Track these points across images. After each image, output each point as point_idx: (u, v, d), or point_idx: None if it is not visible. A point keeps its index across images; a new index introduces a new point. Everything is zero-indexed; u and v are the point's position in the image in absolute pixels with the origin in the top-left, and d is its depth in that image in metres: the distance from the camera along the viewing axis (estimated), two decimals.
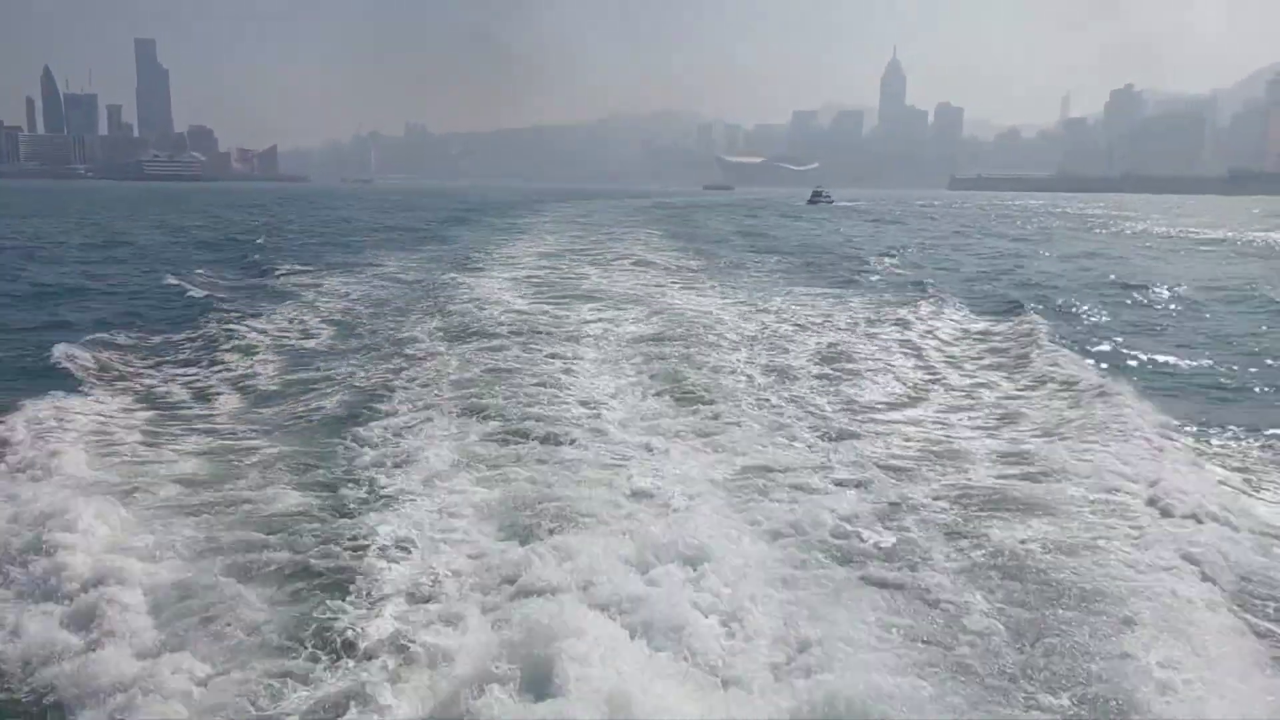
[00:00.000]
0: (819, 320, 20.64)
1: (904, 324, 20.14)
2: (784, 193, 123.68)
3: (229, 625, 6.15)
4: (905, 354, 16.94)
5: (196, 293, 24.11)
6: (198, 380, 14.30)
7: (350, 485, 9.12)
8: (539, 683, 5.28)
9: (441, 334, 18.00)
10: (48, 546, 7.12)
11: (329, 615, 6.29)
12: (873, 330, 19.57)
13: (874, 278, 30.94)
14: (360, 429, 11.12)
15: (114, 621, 6.12)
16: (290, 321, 19.76)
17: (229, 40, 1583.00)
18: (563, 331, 18.27)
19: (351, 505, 8.55)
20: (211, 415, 12.24)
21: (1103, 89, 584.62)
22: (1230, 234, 62.28)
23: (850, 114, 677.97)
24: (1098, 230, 69.31)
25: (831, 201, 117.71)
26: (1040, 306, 23.24)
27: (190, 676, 5.50)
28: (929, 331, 19.33)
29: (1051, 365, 15.23)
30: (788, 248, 45.39)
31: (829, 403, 12.95)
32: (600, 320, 19.87)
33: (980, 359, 16.60)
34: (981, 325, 20.22)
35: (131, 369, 15.02)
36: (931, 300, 23.68)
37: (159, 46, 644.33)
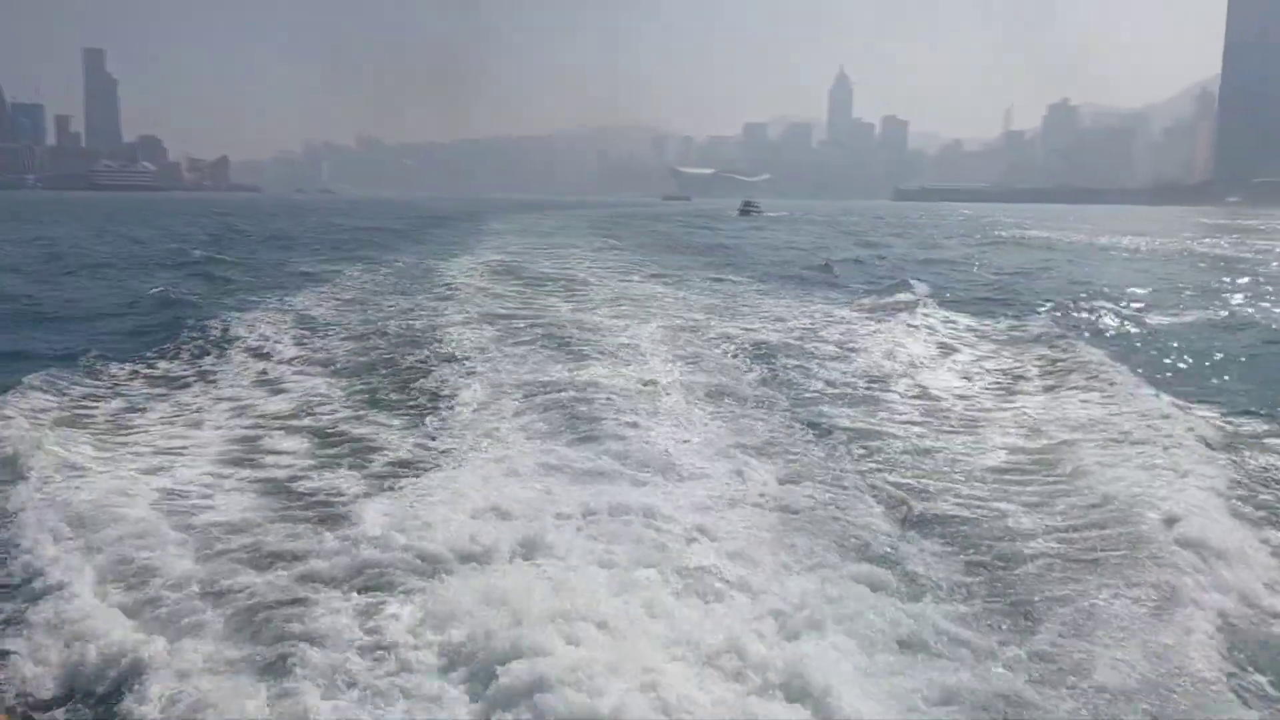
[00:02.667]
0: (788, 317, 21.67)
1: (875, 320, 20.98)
2: (734, 204, 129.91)
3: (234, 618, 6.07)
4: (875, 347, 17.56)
5: (190, 299, 23.98)
6: (196, 382, 13.91)
7: (360, 476, 9.19)
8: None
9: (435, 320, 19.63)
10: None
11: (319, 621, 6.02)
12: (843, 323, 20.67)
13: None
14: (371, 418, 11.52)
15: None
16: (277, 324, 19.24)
17: (177, 50, 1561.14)
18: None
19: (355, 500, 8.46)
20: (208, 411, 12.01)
21: (1041, 103, 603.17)
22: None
23: (799, 126, 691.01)
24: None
25: (761, 212, 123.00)
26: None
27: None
28: (913, 326, 20.06)
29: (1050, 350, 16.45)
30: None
31: (817, 396, 13.29)
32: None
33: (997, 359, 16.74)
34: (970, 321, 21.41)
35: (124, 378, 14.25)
36: (913, 297, 24.69)
37: (107, 56, 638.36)
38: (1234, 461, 9.83)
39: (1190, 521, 7.73)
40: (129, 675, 5.45)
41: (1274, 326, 21.66)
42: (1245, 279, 33.97)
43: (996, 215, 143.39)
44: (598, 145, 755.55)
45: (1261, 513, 8.38)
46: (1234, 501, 8.58)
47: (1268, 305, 25.90)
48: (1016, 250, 54.88)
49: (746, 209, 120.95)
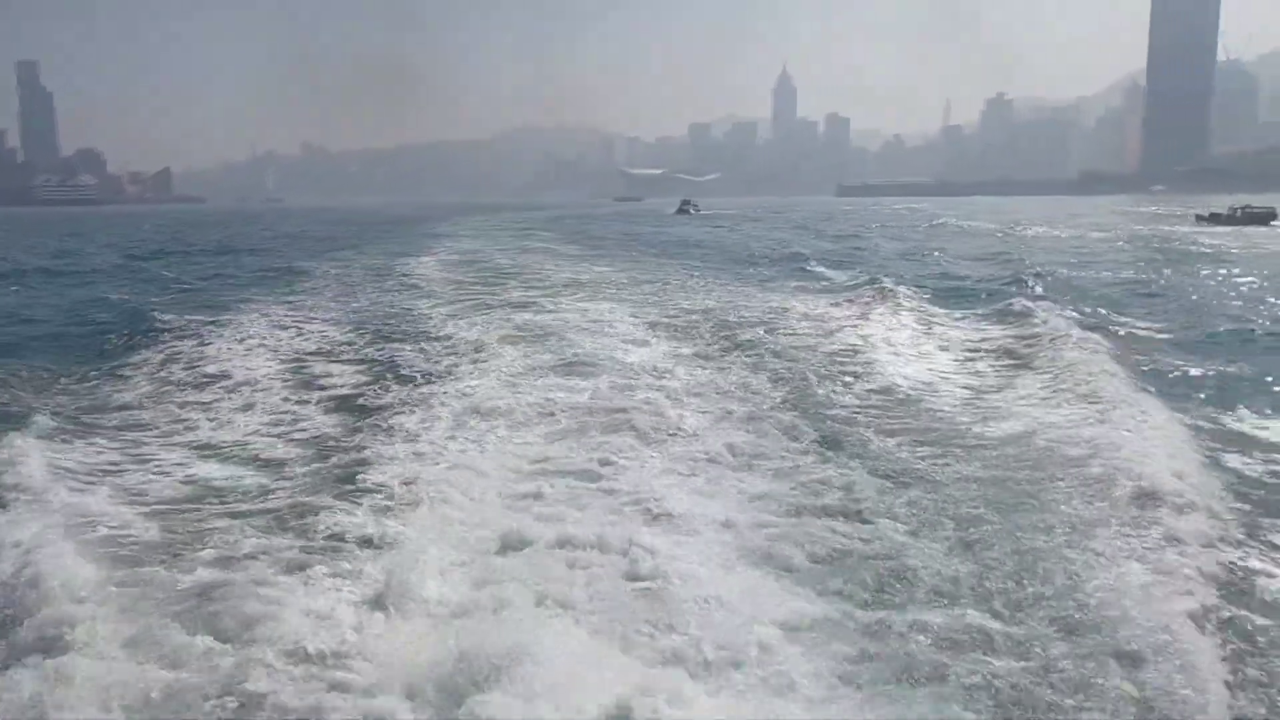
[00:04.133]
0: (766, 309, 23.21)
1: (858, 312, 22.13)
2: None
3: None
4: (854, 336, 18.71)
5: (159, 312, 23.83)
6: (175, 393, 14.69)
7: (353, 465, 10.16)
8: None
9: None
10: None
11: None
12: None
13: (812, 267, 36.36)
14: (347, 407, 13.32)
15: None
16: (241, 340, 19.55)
17: (114, 62, 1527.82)
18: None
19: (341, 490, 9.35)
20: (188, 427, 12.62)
21: (979, 98, 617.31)
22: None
23: (744, 125, 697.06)
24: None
25: (699, 210, 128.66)
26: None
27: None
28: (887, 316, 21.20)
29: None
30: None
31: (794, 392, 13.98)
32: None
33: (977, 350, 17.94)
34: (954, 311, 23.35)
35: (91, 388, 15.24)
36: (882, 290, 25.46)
37: (41, 68, 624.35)
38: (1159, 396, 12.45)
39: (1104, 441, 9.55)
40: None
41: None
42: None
43: (934, 210, 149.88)
44: (544, 147, 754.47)
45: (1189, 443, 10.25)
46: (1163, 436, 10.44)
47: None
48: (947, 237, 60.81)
49: (684, 208, 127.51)
